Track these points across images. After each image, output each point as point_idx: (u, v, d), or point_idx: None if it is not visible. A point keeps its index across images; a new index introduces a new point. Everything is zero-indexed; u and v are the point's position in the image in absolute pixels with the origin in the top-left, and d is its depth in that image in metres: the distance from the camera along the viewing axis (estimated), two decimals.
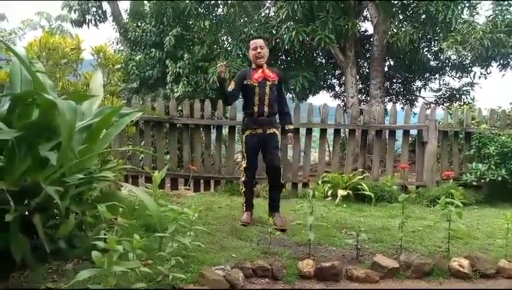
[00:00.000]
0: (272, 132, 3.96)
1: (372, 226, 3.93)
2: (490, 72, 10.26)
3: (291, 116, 4.51)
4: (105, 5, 11.56)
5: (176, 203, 4.47)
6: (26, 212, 2.41)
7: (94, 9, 11.25)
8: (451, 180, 5.00)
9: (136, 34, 10.35)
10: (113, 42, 12.11)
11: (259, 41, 4.03)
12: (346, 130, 6.54)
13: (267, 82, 3.93)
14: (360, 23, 10.98)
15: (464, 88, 11.41)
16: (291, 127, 4.30)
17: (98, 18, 11.36)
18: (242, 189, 4.08)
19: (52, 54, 3.75)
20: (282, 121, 4.24)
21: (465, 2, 7.99)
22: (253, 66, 4.04)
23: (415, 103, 12.39)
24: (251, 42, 4.10)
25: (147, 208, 2.53)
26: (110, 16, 11.68)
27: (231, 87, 3.98)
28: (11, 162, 2.41)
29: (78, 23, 11.06)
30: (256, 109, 3.89)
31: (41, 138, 2.46)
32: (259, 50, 3.95)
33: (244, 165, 4.01)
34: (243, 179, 4.03)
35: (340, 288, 2.80)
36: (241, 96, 4.16)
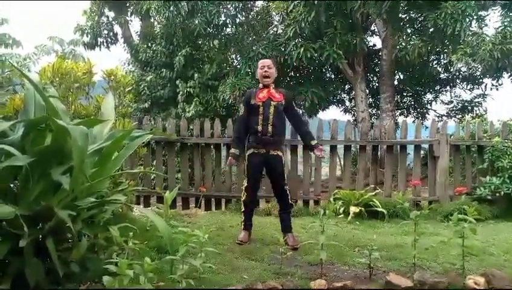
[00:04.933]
0: (275, 153, 3.90)
1: (385, 244, 3.87)
2: (502, 84, 10.18)
3: (311, 132, 4.39)
4: (117, 28, 11.87)
5: (188, 223, 4.49)
6: (40, 236, 2.44)
7: (106, 31, 11.54)
8: (465, 194, 4.93)
9: (147, 55, 10.56)
10: (124, 63, 12.39)
11: (268, 61, 4.07)
12: (357, 145, 6.51)
13: (272, 102, 3.89)
14: (368, 37, 11.03)
15: (476, 100, 11.32)
16: (315, 141, 4.17)
17: (109, 40, 11.66)
18: (242, 208, 4.06)
19: (64, 79, 3.84)
20: (305, 139, 4.22)
21: (473, 14, 7.97)
22: (260, 85, 4.05)
23: (427, 115, 12.33)
24: (260, 62, 4.16)
25: (158, 230, 2.54)
26: (121, 37, 11.96)
27: (242, 112, 4.09)
28: (25, 187, 2.45)
29: (90, 45, 11.36)
30: (260, 128, 3.85)
31: (53, 163, 2.50)
32: (266, 69, 3.95)
33: (245, 185, 3.99)
34: (243, 198, 4.01)
35: None
36: None
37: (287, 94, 4.13)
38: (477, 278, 2.96)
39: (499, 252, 3.73)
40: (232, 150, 4.07)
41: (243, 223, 4.05)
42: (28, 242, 2.23)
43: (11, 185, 2.59)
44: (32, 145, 2.51)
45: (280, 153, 3.95)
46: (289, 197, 4.00)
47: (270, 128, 3.85)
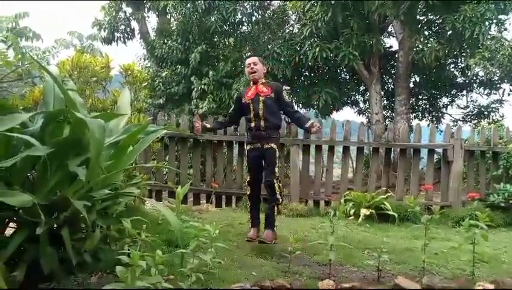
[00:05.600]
0: (269, 146, 3.95)
1: (395, 247, 3.86)
2: None
3: (304, 116, 4.42)
4: (134, 23, 12.00)
5: (198, 219, 4.54)
6: (55, 226, 2.50)
7: (123, 27, 11.68)
8: (478, 200, 4.88)
9: (163, 51, 10.64)
10: (140, 59, 12.51)
11: (253, 58, 4.13)
12: (370, 147, 6.48)
13: (260, 97, 3.97)
14: (384, 39, 10.97)
15: (493, 105, 11.17)
16: (309, 122, 4.06)
17: (126, 36, 11.80)
18: (248, 204, 4.17)
19: (83, 72, 3.90)
20: (300, 124, 4.19)
21: (492, 18, 7.86)
22: (251, 83, 4.14)
23: (442, 119, 12.20)
24: (246, 60, 4.23)
25: (170, 224, 2.58)
26: (138, 33, 12.09)
27: (231, 109, 4.34)
28: (43, 177, 2.51)
29: (108, 40, 11.51)
30: (253, 124, 3.96)
31: (71, 154, 2.56)
32: (252, 66, 4.03)
33: (247, 180, 4.07)
34: (248, 192, 4.09)
35: None
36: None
37: (275, 86, 4.13)
38: (487, 285, 2.93)
39: (511, 260, 3.69)
40: (209, 124, 4.50)
41: (250, 221, 4.09)
42: (44, 231, 2.28)
43: (29, 175, 2.66)
44: (51, 136, 2.56)
45: (274, 146, 3.97)
46: (277, 193, 3.94)
47: (262, 122, 3.93)
